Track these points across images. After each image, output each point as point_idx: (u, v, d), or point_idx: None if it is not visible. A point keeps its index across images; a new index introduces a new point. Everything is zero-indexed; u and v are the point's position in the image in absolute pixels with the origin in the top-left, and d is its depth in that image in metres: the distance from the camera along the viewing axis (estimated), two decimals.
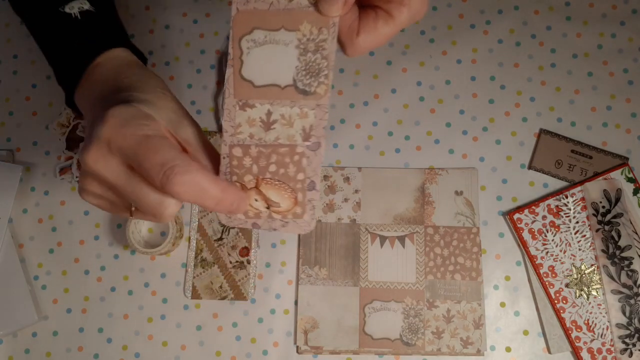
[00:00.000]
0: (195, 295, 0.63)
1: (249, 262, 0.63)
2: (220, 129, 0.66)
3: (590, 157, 0.63)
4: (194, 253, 0.63)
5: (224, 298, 0.62)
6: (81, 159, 0.36)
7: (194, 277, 0.63)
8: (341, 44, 0.37)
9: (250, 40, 0.36)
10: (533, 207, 0.63)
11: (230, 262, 0.63)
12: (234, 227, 0.40)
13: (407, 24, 0.40)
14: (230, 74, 0.36)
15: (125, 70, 0.42)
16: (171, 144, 0.35)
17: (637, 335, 0.59)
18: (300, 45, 0.35)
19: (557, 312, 0.60)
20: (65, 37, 0.45)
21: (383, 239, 0.63)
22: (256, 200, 0.38)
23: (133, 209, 0.38)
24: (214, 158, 0.38)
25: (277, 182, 0.37)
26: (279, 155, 0.37)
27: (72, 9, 0.45)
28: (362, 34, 0.37)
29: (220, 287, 0.63)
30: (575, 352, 0.60)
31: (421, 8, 0.40)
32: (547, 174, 0.64)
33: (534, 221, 0.62)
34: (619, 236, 0.61)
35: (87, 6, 0.45)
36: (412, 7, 0.39)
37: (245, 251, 0.63)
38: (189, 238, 0.64)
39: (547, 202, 0.62)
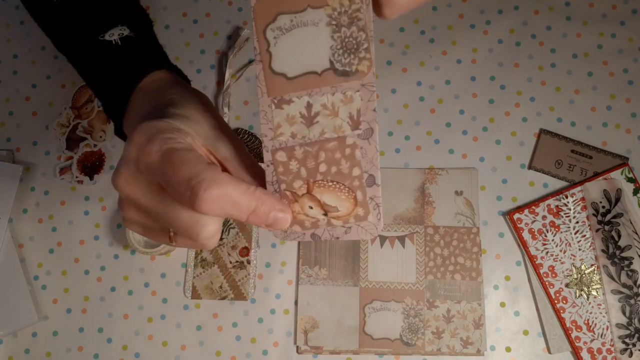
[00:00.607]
0: (195, 295, 0.63)
1: (249, 262, 0.63)
2: None
3: (590, 157, 0.63)
4: (194, 253, 0.63)
5: (224, 298, 0.62)
6: (113, 184, 0.33)
7: (194, 277, 0.63)
8: (375, 6, 0.32)
9: (275, 28, 0.32)
10: (533, 207, 0.63)
11: (230, 262, 0.63)
12: (293, 240, 0.36)
13: None
14: (259, 71, 0.32)
15: (165, 90, 0.40)
16: (198, 157, 0.31)
17: (637, 335, 0.59)
18: (332, 21, 0.31)
19: (557, 312, 0.60)
20: (107, 66, 0.43)
21: (383, 239, 0.63)
22: (311, 207, 0.33)
23: (172, 234, 0.34)
24: (258, 175, 0.34)
25: (330, 183, 0.33)
26: (328, 152, 0.33)
27: (112, 36, 0.43)
28: None
29: (220, 287, 0.63)
30: (575, 352, 0.60)
31: None
32: (547, 174, 0.64)
33: (534, 221, 0.62)
34: (619, 236, 0.61)
35: (126, 32, 0.43)
36: None
37: (245, 251, 0.63)
38: None
39: (547, 202, 0.62)
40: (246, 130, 0.65)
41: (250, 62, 0.68)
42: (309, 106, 0.32)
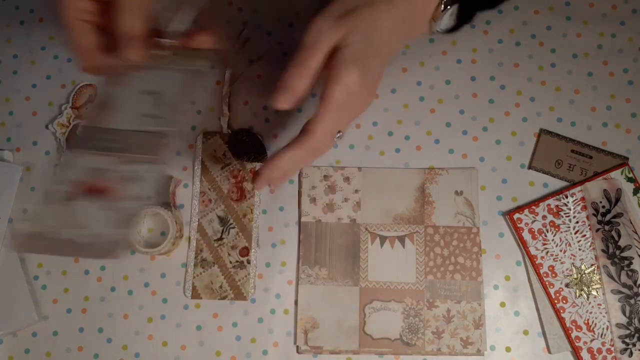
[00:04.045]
0: (195, 295, 0.63)
1: (249, 262, 0.63)
2: (221, 130, 0.66)
3: (590, 157, 0.63)
4: (194, 253, 0.63)
5: (224, 298, 0.62)
6: None
7: (194, 277, 0.63)
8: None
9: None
10: (533, 207, 0.63)
11: (230, 262, 0.63)
12: None
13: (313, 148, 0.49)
14: None
15: None
16: None
17: (637, 335, 0.59)
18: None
19: (557, 312, 0.60)
20: None
21: (383, 239, 0.63)
22: None
23: None
24: None
25: None
26: None
27: None
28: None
29: (220, 287, 0.63)
30: (575, 352, 0.60)
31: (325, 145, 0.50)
32: (547, 174, 0.64)
33: (534, 221, 0.62)
34: (619, 236, 0.61)
35: None
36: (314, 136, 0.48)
37: (245, 251, 0.63)
38: (189, 238, 0.64)
39: (547, 202, 0.62)
40: (246, 130, 0.65)
41: (251, 63, 0.68)
42: None
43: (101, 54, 0.47)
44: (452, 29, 0.56)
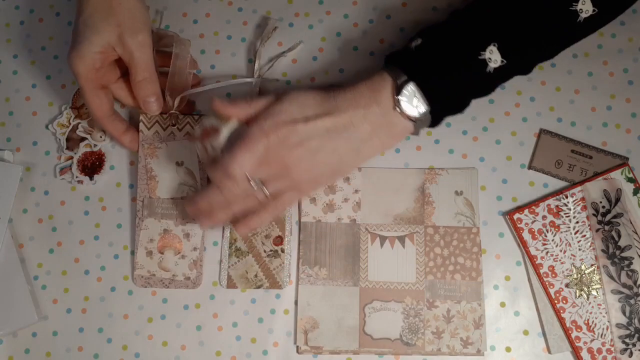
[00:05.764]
0: (231, 284, 0.62)
1: (283, 250, 0.63)
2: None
3: (590, 157, 0.63)
4: (228, 243, 0.63)
5: (259, 287, 0.62)
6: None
7: (229, 267, 0.63)
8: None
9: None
10: (533, 207, 0.63)
11: (265, 251, 0.63)
12: None
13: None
14: None
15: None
16: None
17: (637, 335, 0.59)
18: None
19: (557, 312, 0.60)
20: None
21: (383, 239, 0.63)
22: None
23: None
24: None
25: None
26: None
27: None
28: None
29: (256, 276, 0.62)
30: (575, 352, 0.60)
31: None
32: (547, 174, 0.64)
33: (534, 221, 0.62)
34: (619, 236, 0.61)
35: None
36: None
37: (279, 240, 0.63)
38: (223, 228, 0.63)
39: (547, 202, 0.62)
40: None
41: (283, 53, 0.67)
42: None
43: (113, 117, 0.63)
44: (435, 119, 0.57)
